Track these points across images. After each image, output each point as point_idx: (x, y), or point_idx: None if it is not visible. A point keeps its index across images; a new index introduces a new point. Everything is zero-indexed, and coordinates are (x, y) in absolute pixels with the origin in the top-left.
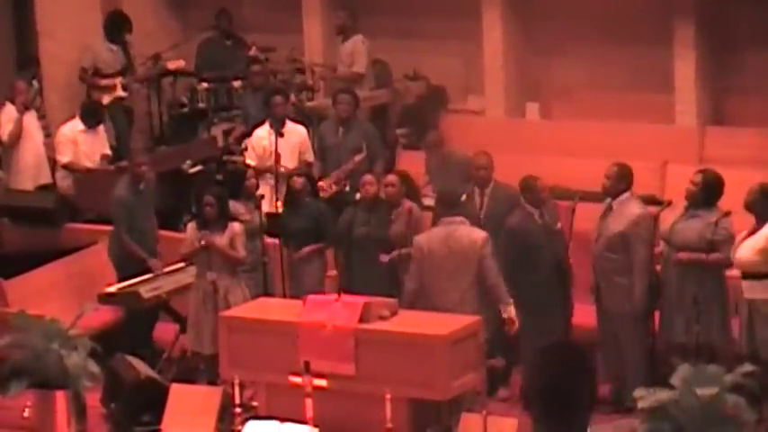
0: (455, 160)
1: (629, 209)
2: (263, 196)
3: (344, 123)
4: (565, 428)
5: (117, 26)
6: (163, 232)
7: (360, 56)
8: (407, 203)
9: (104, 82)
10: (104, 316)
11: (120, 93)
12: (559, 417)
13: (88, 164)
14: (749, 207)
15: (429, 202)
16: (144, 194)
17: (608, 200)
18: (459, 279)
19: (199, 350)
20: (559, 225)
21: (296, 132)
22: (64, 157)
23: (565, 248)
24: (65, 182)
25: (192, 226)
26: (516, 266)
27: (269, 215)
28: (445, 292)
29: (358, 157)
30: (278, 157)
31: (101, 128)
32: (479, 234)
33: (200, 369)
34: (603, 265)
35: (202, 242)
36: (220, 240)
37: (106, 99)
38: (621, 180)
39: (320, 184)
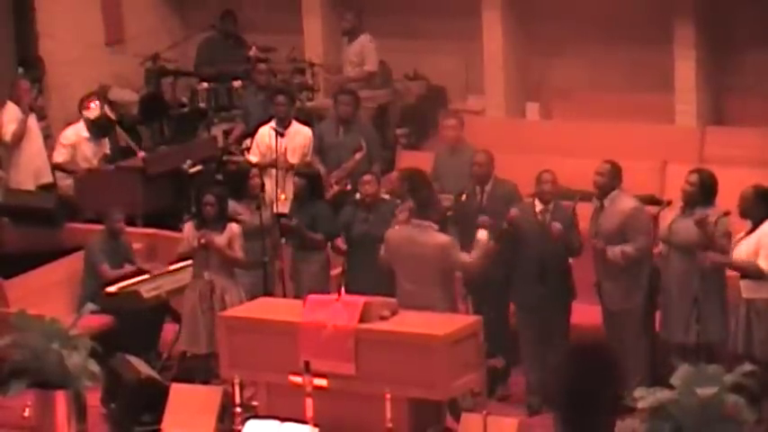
0: (464, 154)
1: (623, 204)
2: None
3: (344, 123)
4: (590, 430)
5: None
6: (162, 232)
7: (370, 54)
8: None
9: None
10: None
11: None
12: (584, 419)
13: (86, 166)
14: (745, 213)
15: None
16: (118, 251)
17: (596, 201)
18: (421, 283)
19: (194, 350)
20: (558, 226)
21: (301, 133)
22: (59, 157)
23: (558, 250)
24: (65, 181)
25: (189, 225)
26: (511, 259)
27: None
28: (410, 295)
29: (358, 155)
30: (279, 155)
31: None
32: (444, 239)
33: (200, 369)
34: (604, 263)
35: (201, 241)
36: (219, 240)
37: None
38: (614, 177)
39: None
